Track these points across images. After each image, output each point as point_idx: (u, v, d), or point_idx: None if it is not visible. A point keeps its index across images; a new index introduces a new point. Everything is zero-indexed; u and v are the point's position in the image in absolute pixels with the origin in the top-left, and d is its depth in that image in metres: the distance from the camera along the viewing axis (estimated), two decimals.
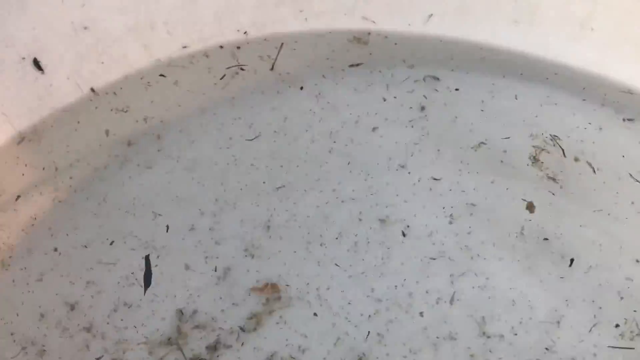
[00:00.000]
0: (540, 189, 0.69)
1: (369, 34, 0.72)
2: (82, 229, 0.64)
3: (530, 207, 0.69)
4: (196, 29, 0.68)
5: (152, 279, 0.62)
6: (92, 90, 0.66)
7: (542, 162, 0.70)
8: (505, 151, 0.70)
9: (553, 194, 0.69)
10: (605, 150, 0.71)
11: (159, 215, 0.65)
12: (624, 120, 0.73)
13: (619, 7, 0.71)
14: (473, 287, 0.64)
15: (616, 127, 0.72)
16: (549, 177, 0.70)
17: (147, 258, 0.63)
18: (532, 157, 0.70)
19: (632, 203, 0.68)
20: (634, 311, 0.63)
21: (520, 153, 0.70)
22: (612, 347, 0.62)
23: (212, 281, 0.63)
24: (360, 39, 0.71)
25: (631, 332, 0.62)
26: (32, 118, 0.63)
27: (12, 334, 0.60)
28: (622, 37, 0.72)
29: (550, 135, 0.71)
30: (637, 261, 0.65)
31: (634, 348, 0.62)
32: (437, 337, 0.62)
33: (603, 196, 0.68)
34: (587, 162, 0.70)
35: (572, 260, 0.65)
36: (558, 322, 0.62)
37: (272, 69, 0.70)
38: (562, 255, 0.65)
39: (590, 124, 0.72)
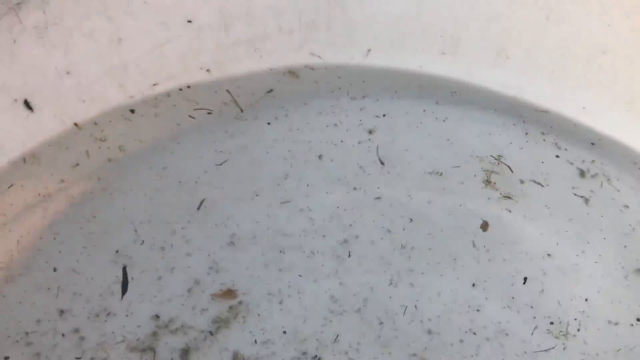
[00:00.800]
0: (496, 208, 0.78)
1: (307, 67, 0.82)
2: (69, 246, 0.73)
3: (485, 226, 0.78)
4: (164, 69, 0.79)
5: (129, 288, 0.71)
6: (75, 124, 0.76)
7: (495, 182, 0.80)
8: (457, 175, 0.80)
9: (510, 211, 0.79)
10: (530, 160, 0.82)
11: (137, 231, 0.74)
12: (542, 133, 0.84)
13: (529, 38, 0.82)
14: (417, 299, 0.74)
15: (539, 141, 0.83)
16: (504, 196, 0.79)
17: (124, 269, 0.72)
18: (484, 181, 0.80)
19: (547, 207, 0.78)
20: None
21: (472, 176, 0.80)
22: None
23: (183, 290, 0.73)
24: (295, 73, 0.82)
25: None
26: (24, 149, 0.73)
27: (8, 336, 0.68)
28: (534, 64, 0.83)
29: (494, 156, 0.81)
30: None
31: None
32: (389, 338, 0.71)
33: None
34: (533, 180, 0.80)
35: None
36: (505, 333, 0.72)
37: (241, 111, 0.80)
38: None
39: (511, 143, 0.83)
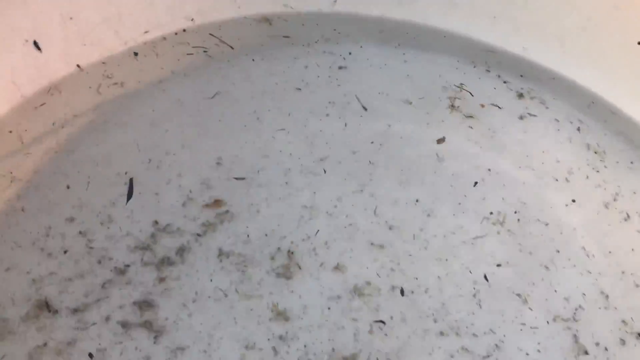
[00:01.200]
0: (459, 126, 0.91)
1: (280, 17, 0.94)
2: (82, 165, 0.85)
3: (441, 141, 0.90)
4: (153, 18, 0.91)
5: (132, 200, 0.82)
6: (78, 66, 0.87)
7: (459, 106, 0.93)
8: (424, 103, 0.93)
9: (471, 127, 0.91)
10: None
11: (140, 150, 0.86)
12: (487, 70, 0.96)
13: None
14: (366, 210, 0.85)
15: (486, 74, 0.95)
16: (467, 116, 0.92)
17: (131, 180, 0.83)
18: (450, 106, 0.93)
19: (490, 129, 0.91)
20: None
21: (438, 102, 0.93)
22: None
23: (178, 202, 0.84)
24: (270, 20, 0.94)
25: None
26: (34, 86, 0.84)
27: (20, 246, 0.79)
28: (479, 10, 0.96)
29: (456, 84, 0.94)
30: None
31: None
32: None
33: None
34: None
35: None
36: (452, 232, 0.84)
37: (232, 48, 0.92)
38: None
39: (464, 74, 0.96)
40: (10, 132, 0.85)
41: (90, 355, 0.71)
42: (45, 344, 0.71)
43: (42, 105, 0.86)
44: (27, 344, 0.71)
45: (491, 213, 0.85)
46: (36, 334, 0.72)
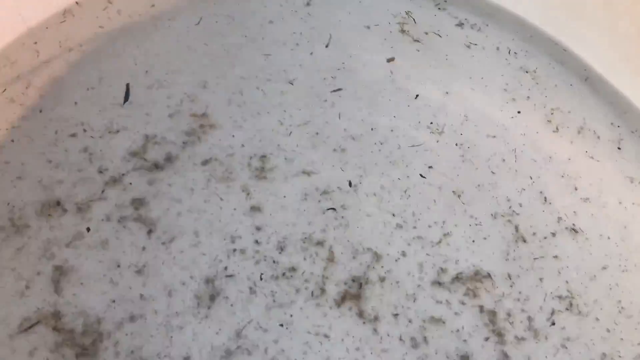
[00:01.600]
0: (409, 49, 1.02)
1: None
2: (84, 81, 0.95)
3: (391, 60, 1.01)
4: None
5: (125, 115, 0.93)
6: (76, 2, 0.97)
7: (408, 31, 1.04)
8: (378, 30, 1.04)
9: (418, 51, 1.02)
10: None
11: (137, 64, 0.96)
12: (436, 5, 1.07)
13: None
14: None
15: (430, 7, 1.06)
16: (415, 40, 1.03)
17: (127, 85, 0.95)
18: (400, 30, 1.04)
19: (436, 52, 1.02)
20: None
21: (389, 26, 1.04)
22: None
23: (166, 115, 0.95)
24: None
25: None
26: (39, 16, 0.94)
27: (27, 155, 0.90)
28: None
29: (405, 11, 1.05)
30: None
31: None
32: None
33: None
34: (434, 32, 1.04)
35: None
36: (396, 135, 0.95)
37: None
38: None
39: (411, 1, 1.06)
40: (15, 61, 0.96)
41: (88, 229, 0.83)
42: (54, 237, 0.83)
43: (47, 33, 0.96)
44: (41, 235, 0.83)
45: (444, 125, 0.97)
46: (48, 227, 0.83)
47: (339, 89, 0.98)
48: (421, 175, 0.92)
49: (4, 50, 0.95)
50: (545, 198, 0.93)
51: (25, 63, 0.95)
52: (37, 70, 0.95)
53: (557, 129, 1.00)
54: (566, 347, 0.82)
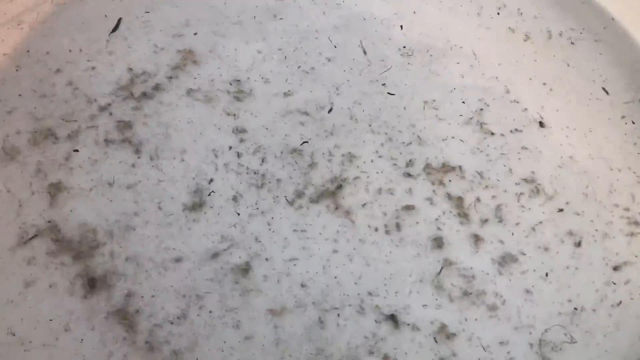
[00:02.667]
0: None
1: None
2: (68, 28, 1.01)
3: None
4: None
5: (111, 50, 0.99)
6: None
7: None
8: None
9: None
10: None
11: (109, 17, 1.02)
12: None
13: None
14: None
15: None
16: None
17: (119, 19, 1.00)
18: None
19: None
20: None
21: None
22: None
23: (150, 50, 1.00)
24: None
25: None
26: None
27: (20, 94, 0.96)
28: None
29: None
30: None
31: None
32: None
33: None
34: None
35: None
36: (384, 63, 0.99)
37: None
38: None
39: None
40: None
41: (76, 150, 0.89)
42: (46, 160, 0.88)
43: None
44: (33, 160, 0.88)
45: (410, 47, 1.02)
46: (40, 153, 0.89)
47: (321, 25, 1.03)
48: (389, 93, 0.96)
49: None
50: (508, 91, 0.97)
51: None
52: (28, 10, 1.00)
53: (521, 36, 1.04)
54: (534, 230, 0.87)
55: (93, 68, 0.97)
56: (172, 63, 0.98)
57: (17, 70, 0.96)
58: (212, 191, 0.87)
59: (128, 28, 1.01)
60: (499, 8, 1.06)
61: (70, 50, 0.98)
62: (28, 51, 0.97)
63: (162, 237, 0.83)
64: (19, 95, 0.93)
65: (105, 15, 1.02)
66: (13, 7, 1.01)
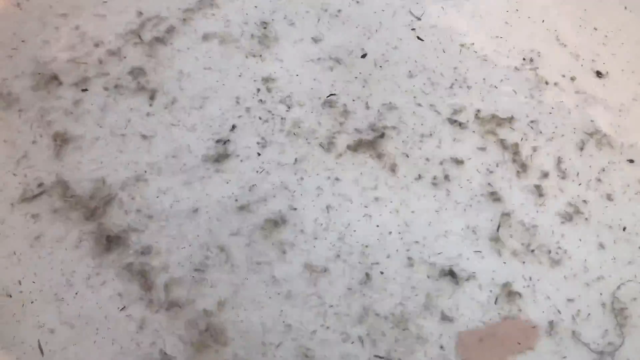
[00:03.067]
0: None
1: None
2: None
3: None
4: None
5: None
6: None
7: None
8: None
9: None
10: None
11: None
12: None
13: None
14: None
15: None
16: None
17: None
18: None
19: None
20: None
21: None
22: None
23: None
24: None
25: None
26: None
27: None
28: None
29: None
30: None
31: None
32: None
33: None
34: None
35: None
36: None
37: None
38: None
39: None
40: None
41: (85, 89, 0.80)
42: (50, 107, 0.79)
43: None
44: (35, 106, 0.79)
45: None
46: (43, 99, 0.80)
47: None
48: (419, 37, 0.87)
49: None
50: (558, 38, 0.88)
51: None
52: None
53: None
54: (600, 181, 0.77)
55: (100, 14, 0.88)
56: (186, 5, 0.89)
57: (20, 8, 0.87)
58: (233, 139, 0.77)
59: None
60: None
61: None
62: None
63: (179, 188, 0.74)
64: (22, 41, 0.84)
65: None
66: None
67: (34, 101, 0.79)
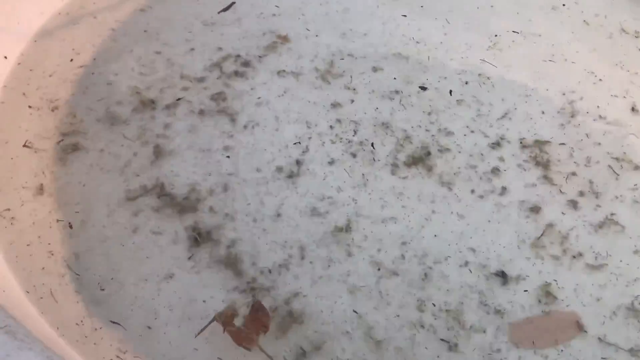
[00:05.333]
0: None
1: None
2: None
3: None
4: None
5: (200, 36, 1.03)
6: None
7: None
8: None
9: None
10: None
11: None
12: None
13: None
14: None
15: None
16: None
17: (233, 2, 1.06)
18: None
19: None
20: None
21: None
22: None
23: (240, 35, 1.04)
24: None
25: None
26: None
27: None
28: None
29: None
30: None
31: None
32: None
33: None
34: None
35: None
36: None
37: None
38: None
39: None
40: None
41: (175, 103, 0.92)
42: (147, 128, 0.91)
43: None
44: (134, 125, 0.91)
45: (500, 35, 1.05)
46: (140, 120, 0.92)
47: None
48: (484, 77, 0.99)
49: None
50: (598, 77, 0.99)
51: None
52: None
53: None
54: (637, 201, 0.87)
55: (191, 48, 1.01)
56: (263, 42, 1.02)
57: (117, 48, 1.00)
58: (306, 158, 0.88)
59: (222, 13, 1.05)
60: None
61: (166, 29, 1.03)
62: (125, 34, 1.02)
63: (261, 195, 0.85)
64: (116, 74, 0.97)
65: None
66: None
67: (134, 121, 0.92)
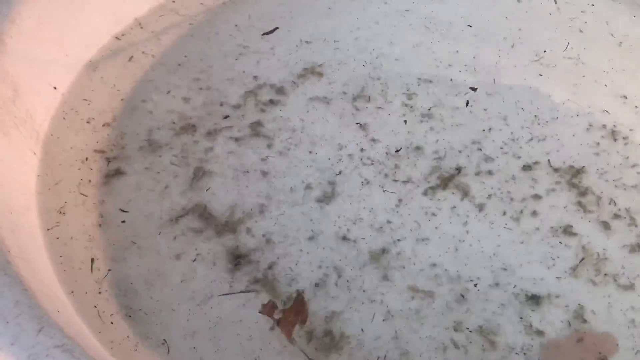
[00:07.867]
0: None
1: None
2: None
3: None
4: None
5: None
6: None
7: None
8: None
9: None
10: None
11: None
12: None
13: None
14: None
15: None
16: None
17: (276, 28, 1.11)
18: None
19: None
20: None
21: None
22: None
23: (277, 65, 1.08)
24: None
25: None
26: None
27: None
28: None
29: None
30: None
31: None
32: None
33: None
34: None
35: None
36: None
37: None
38: None
39: None
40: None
41: (215, 129, 0.96)
42: (187, 152, 0.95)
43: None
44: (175, 149, 0.95)
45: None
46: (181, 144, 0.96)
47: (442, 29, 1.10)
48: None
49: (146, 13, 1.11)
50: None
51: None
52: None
53: None
54: None
55: (227, 78, 1.05)
56: (296, 71, 1.05)
57: (157, 77, 1.05)
58: (340, 181, 0.91)
59: (261, 38, 1.09)
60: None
61: (205, 57, 1.07)
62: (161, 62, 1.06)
63: (296, 218, 0.87)
64: (158, 94, 1.02)
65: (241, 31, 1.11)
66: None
67: (175, 145, 0.96)
